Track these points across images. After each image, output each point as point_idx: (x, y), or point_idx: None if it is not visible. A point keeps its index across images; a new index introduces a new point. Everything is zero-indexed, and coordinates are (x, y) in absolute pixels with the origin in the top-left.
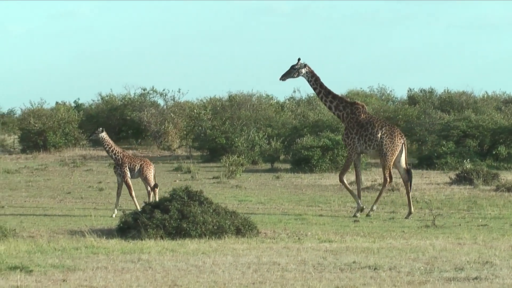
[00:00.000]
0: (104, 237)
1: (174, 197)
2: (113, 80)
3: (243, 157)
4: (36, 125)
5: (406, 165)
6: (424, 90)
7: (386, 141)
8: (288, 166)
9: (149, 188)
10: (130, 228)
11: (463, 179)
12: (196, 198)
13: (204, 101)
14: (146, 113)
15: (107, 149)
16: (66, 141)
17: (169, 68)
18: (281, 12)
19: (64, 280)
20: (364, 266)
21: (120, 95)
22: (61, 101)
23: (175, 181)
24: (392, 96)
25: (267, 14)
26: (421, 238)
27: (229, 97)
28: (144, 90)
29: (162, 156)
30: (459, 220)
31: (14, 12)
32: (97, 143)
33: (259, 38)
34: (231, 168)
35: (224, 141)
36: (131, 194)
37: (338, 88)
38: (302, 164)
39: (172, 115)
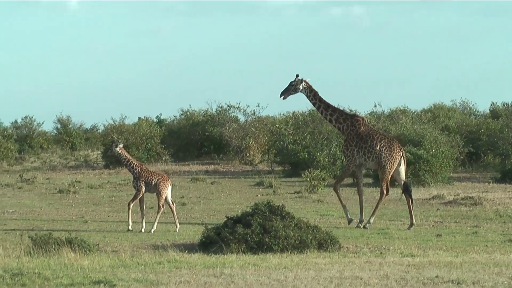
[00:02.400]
0: (187, 252)
1: (256, 211)
2: (194, 96)
3: (324, 172)
4: (119, 141)
5: (405, 178)
6: (507, 103)
7: (384, 153)
8: (370, 180)
9: (160, 204)
10: (212, 242)
11: None
12: (278, 212)
13: (286, 115)
14: (227, 128)
15: (124, 163)
16: (148, 156)
17: (250, 83)
18: (362, 27)
19: None
20: (447, 281)
21: (201, 110)
22: (144, 117)
23: (257, 195)
24: (474, 110)
25: (348, 30)
26: (504, 253)
27: (311, 111)
28: (221, 108)
29: (244, 171)
30: None
31: (97, 30)
32: (181, 159)
33: (339, 53)
34: (312, 183)
35: (306, 155)
36: (129, 204)
37: (421, 102)
38: None
39: (254, 130)
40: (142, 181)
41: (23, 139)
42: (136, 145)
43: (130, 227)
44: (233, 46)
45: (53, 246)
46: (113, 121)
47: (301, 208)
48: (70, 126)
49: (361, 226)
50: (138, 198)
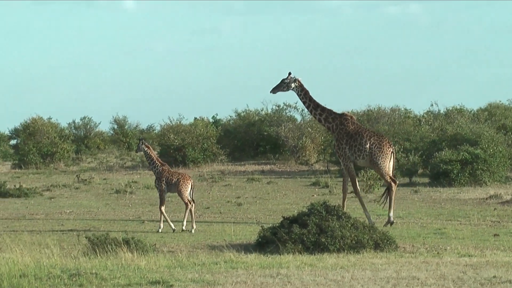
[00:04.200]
0: (243, 252)
1: (312, 211)
2: (250, 95)
3: None
4: (176, 141)
5: (392, 173)
6: None
7: (375, 151)
8: (426, 180)
9: (185, 201)
10: (268, 242)
11: None
12: (334, 212)
13: None
14: (283, 128)
15: (148, 161)
16: (204, 156)
17: (308, 81)
18: (419, 25)
19: None
20: (504, 281)
21: (257, 111)
22: (199, 117)
23: (313, 195)
24: None
25: (404, 28)
26: None
27: (367, 111)
28: (278, 107)
29: (300, 171)
30: None
31: (154, 30)
32: (237, 159)
33: (396, 52)
34: (369, 183)
35: None
36: (160, 208)
37: (477, 101)
38: (440, 178)
39: (310, 130)
40: (163, 180)
41: (80, 140)
42: (192, 145)
43: (173, 227)
44: (289, 45)
45: (110, 246)
46: (170, 121)
47: (357, 208)
48: (127, 126)
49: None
50: (163, 199)
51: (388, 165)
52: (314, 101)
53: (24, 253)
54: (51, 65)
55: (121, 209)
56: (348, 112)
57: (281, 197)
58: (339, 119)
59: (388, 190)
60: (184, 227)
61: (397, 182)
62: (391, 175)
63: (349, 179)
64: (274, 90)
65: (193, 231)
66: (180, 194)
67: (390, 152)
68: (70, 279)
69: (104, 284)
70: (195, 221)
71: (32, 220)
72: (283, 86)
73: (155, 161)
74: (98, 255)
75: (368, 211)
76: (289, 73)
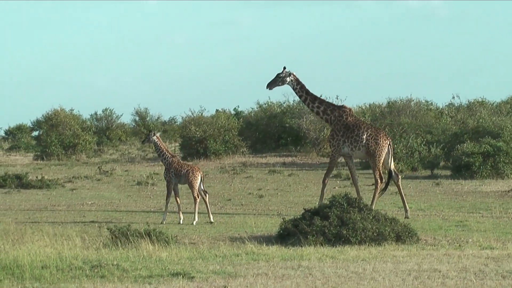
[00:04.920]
0: (264, 244)
1: (333, 204)
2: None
3: (402, 164)
4: (197, 133)
5: (392, 166)
6: None
7: (371, 143)
8: (448, 172)
9: (195, 194)
10: (290, 234)
11: None
12: (356, 204)
13: (363, 107)
14: (305, 120)
15: (158, 153)
16: (226, 148)
17: (328, 74)
18: (439, 18)
19: (225, 286)
20: None
21: (279, 102)
22: (221, 109)
23: (335, 188)
24: None
25: (425, 20)
26: None
27: (388, 103)
28: None
29: (321, 163)
30: None
31: (175, 21)
32: (259, 151)
33: (416, 44)
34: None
35: None
36: (166, 198)
37: (500, 93)
38: (462, 170)
39: None
40: (172, 172)
41: (102, 131)
42: (214, 137)
43: (164, 218)
44: (309, 37)
45: (132, 238)
46: (192, 113)
47: (378, 200)
48: (148, 118)
49: None
50: (170, 190)
51: (385, 158)
52: (311, 94)
53: (46, 244)
54: (74, 57)
55: (142, 201)
56: (346, 105)
57: (303, 189)
58: (338, 111)
59: (375, 185)
60: (195, 222)
61: (384, 181)
62: (391, 167)
63: (353, 171)
64: (270, 86)
65: (212, 219)
66: (191, 186)
67: (387, 145)
68: (92, 271)
69: (125, 275)
70: (212, 213)
71: (54, 212)
72: (278, 80)
73: (165, 152)
74: (120, 246)
75: (387, 204)
76: (284, 68)
